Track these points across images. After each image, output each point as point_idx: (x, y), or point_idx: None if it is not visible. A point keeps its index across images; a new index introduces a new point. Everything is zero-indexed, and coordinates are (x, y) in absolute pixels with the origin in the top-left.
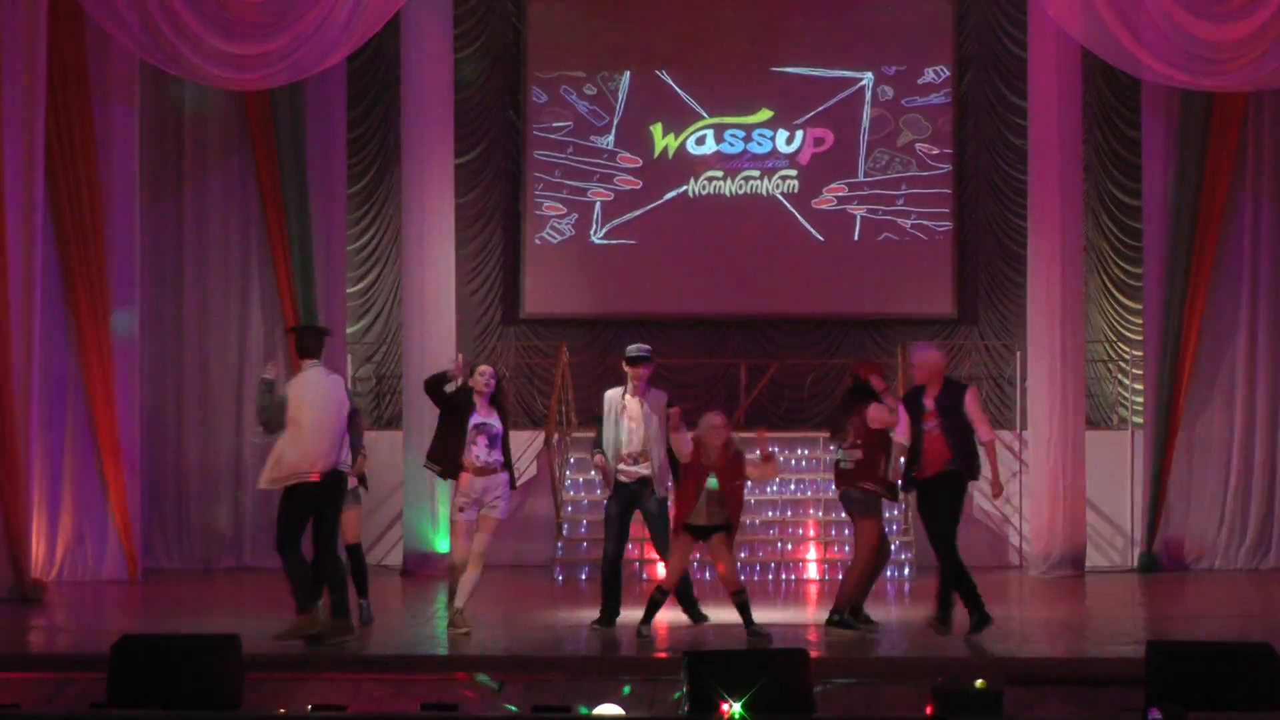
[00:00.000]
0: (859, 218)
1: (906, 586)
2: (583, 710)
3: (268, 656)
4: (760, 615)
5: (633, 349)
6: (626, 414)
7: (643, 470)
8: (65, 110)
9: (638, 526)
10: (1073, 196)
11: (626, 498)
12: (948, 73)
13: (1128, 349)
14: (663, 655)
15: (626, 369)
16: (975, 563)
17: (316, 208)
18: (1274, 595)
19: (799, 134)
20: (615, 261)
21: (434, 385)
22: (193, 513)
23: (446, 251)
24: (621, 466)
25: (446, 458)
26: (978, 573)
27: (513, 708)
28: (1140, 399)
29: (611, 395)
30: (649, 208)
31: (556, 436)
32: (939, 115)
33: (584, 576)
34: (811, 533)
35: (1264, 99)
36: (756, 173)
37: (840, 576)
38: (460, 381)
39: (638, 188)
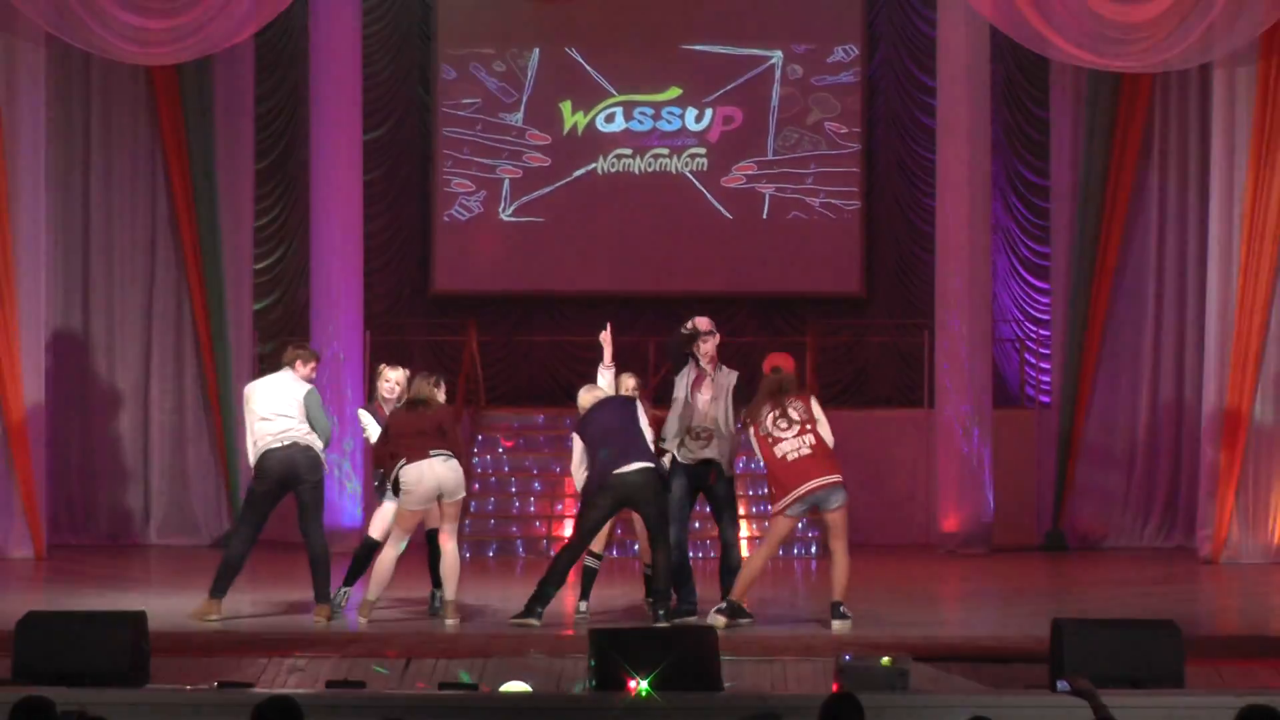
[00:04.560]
0: (768, 196)
1: (813, 565)
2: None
3: (174, 633)
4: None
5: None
6: (696, 391)
7: (708, 453)
8: None
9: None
10: (981, 176)
11: (690, 481)
12: (857, 51)
13: (1035, 328)
14: (569, 633)
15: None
16: (883, 541)
17: (223, 184)
18: (1178, 573)
19: (708, 112)
20: (524, 239)
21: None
22: (99, 489)
23: (354, 228)
24: (689, 443)
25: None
26: (886, 551)
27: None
28: (1047, 378)
29: (679, 378)
30: (558, 185)
31: (465, 414)
32: (848, 94)
33: (491, 554)
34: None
35: (1171, 80)
36: (666, 151)
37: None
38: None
39: (547, 165)
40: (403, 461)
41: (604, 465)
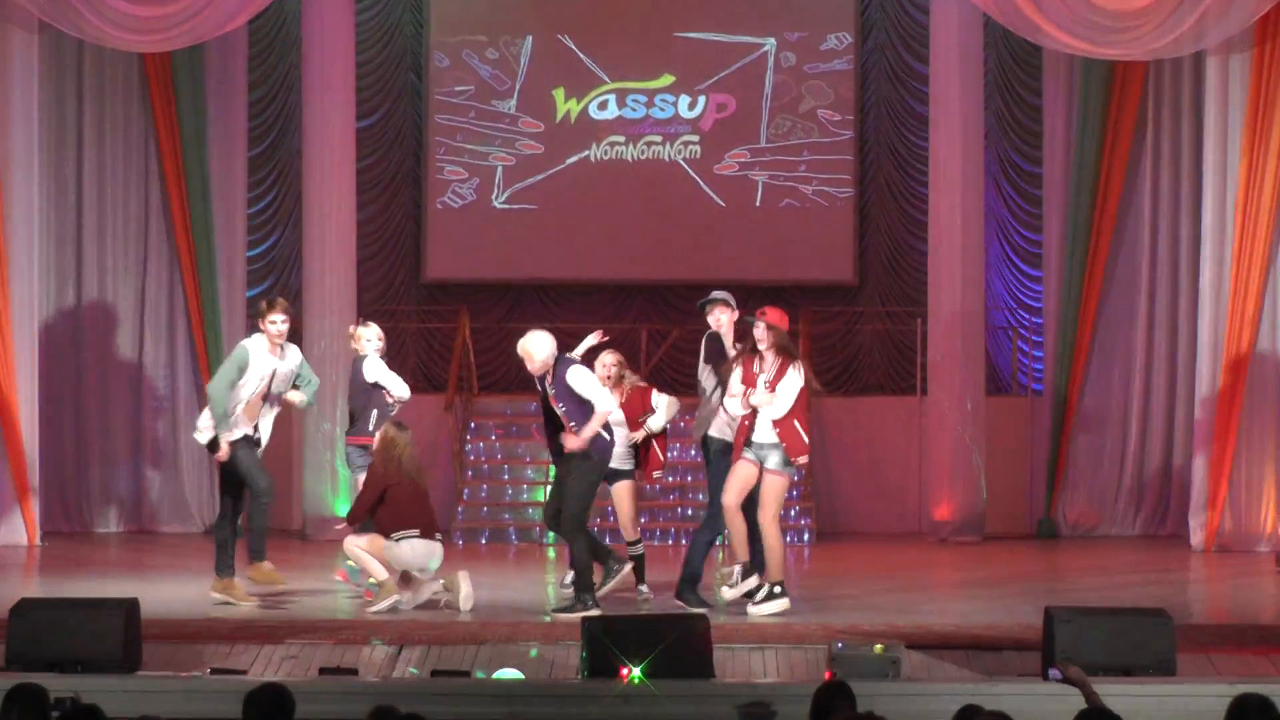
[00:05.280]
0: (761, 184)
1: (806, 552)
2: (479, 674)
3: (166, 620)
4: (657, 577)
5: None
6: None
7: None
8: None
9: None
10: (974, 163)
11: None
12: (850, 39)
13: (1028, 316)
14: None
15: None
16: (875, 529)
17: (216, 170)
18: (1171, 562)
19: (701, 99)
20: (517, 226)
21: None
22: (92, 476)
23: (347, 215)
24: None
25: None
26: (878, 539)
27: (414, 670)
28: (1040, 366)
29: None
30: (551, 172)
31: (457, 402)
32: (841, 82)
33: (483, 541)
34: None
35: (1164, 67)
36: (659, 138)
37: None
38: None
39: (539, 152)
40: (414, 531)
41: (611, 446)
